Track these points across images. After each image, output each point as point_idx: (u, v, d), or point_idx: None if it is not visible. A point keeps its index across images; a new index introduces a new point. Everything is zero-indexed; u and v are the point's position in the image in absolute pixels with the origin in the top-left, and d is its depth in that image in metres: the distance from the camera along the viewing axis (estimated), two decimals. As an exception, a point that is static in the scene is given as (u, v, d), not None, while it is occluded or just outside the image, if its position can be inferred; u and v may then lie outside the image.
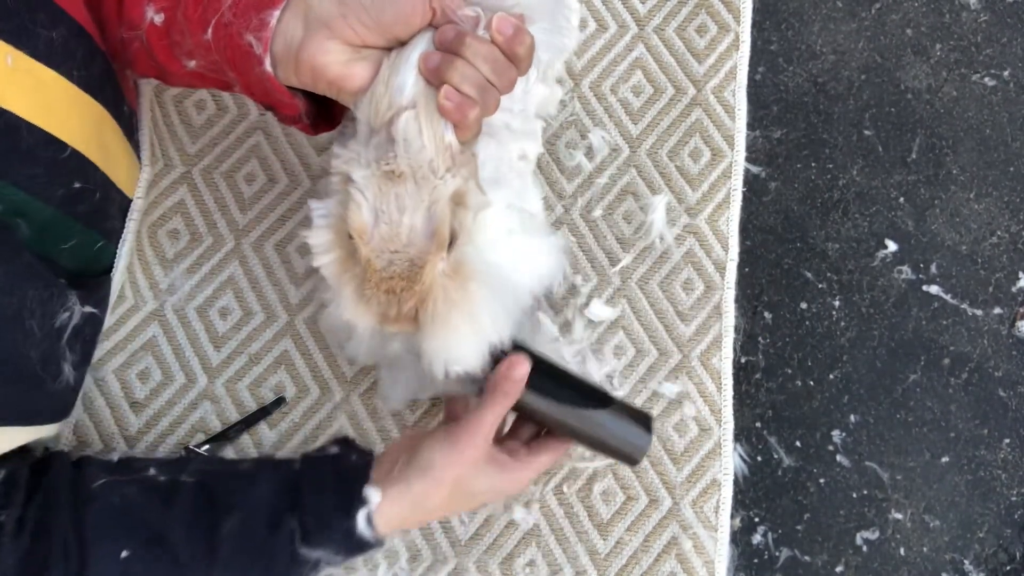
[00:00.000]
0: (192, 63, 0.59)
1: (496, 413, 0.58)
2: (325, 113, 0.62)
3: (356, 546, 0.57)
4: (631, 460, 0.63)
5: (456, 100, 0.49)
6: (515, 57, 0.51)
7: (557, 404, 0.61)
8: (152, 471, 0.60)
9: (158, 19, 0.59)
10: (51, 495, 0.57)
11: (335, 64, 0.51)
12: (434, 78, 0.50)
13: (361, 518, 0.56)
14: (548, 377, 0.61)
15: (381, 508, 0.57)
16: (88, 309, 0.66)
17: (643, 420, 0.62)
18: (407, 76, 0.51)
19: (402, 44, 0.53)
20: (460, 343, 0.54)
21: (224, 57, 0.55)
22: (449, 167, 0.50)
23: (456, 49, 0.50)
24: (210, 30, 0.55)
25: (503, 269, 0.57)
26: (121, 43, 0.64)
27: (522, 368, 0.58)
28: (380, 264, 0.50)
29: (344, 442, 0.62)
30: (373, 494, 0.57)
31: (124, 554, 0.56)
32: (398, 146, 0.50)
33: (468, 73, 0.49)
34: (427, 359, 0.55)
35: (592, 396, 0.62)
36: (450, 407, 0.65)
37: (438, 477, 0.57)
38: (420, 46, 0.52)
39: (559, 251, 0.65)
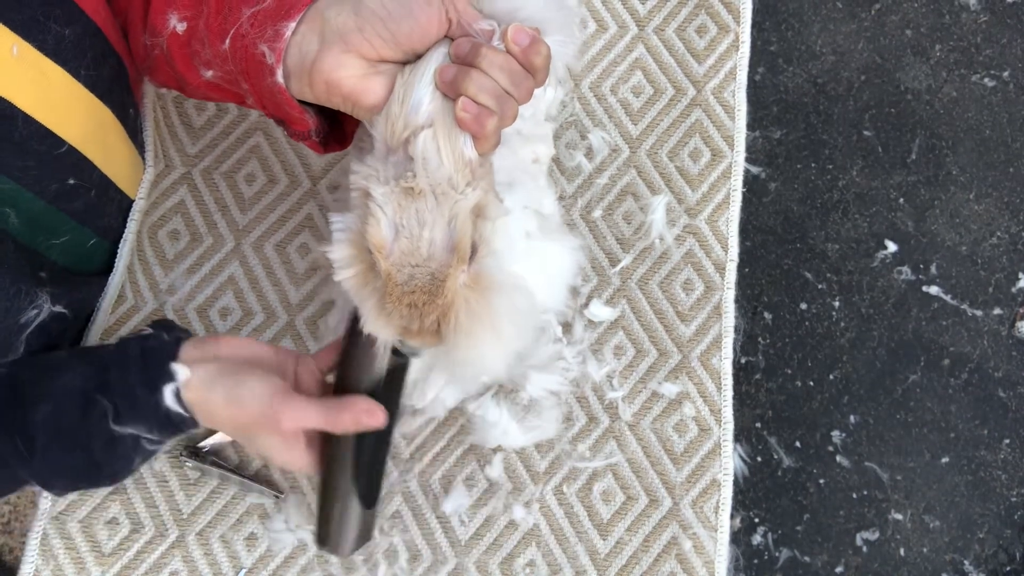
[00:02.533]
0: (209, 73, 0.59)
1: (317, 421, 0.57)
2: (337, 132, 0.62)
3: (168, 422, 0.58)
4: (320, 540, 0.61)
5: (474, 111, 0.49)
6: (532, 67, 0.51)
7: (353, 469, 0.59)
8: None
9: (180, 28, 0.59)
10: None
11: (350, 78, 0.51)
12: (451, 91, 0.50)
13: (168, 392, 0.57)
14: (373, 444, 0.60)
15: (189, 387, 0.57)
16: (58, 308, 0.65)
17: (364, 536, 0.61)
18: (422, 93, 0.50)
19: (418, 58, 0.52)
20: (485, 354, 0.54)
21: (239, 68, 0.55)
22: (469, 181, 0.50)
23: (472, 60, 0.50)
24: (228, 40, 0.55)
25: (523, 276, 0.57)
26: (144, 49, 0.64)
27: (375, 421, 0.57)
28: (401, 278, 0.50)
29: (161, 323, 0.63)
30: (180, 370, 0.57)
31: None
32: (417, 166, 0.49)
33: (485, 84, 0.49)
34: (453, 370, 0.55)
35: (371, 487, 0.61)
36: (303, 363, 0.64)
37: (235, 413, 0.57)
38: (434, 61, 0.51)
39: (577, 250, 0.65)
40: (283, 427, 0.57)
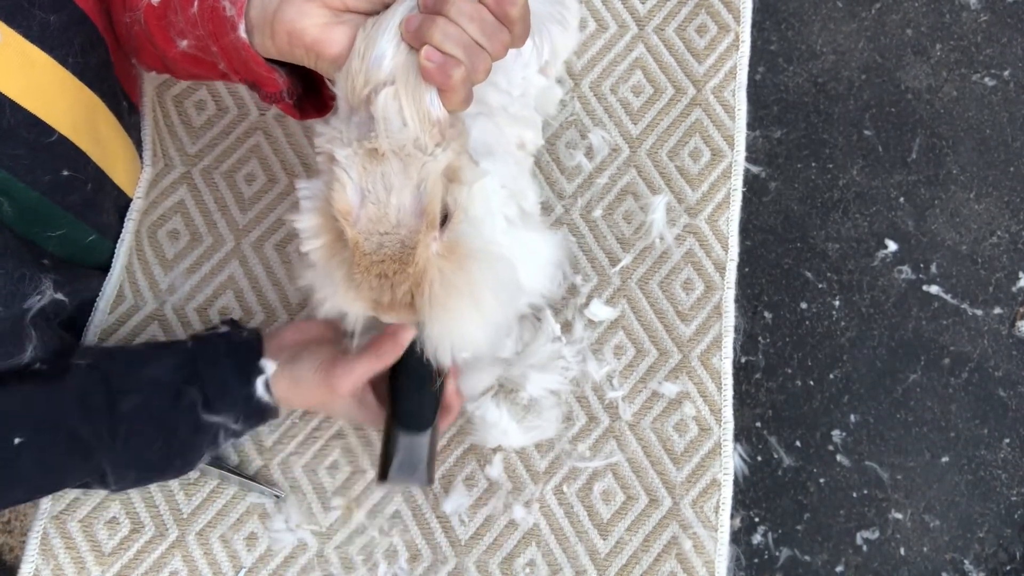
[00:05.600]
0: (184, 43, 0.58)
1: (368, 367, 0.61)
2: (315, 99, 0.61)
3: (256, 411, 0.63)
4: (383, 474, 0.62)
5: (438, 59, 0.46)
6: (507, 18, 0.48)
7: (391, 397, 0.63)
8: (36, 364, 0.63)
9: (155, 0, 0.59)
10: None
11: (312, 28, 0.49)
12: (416, 41, 0.47)
13: (260, 384, 0.62)
14: (419, 375, 0.62)
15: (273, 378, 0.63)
16: (59, 296, 0.65)
17: (410, 464, 0.62)
18: (385, 47, 0.47)
19: (385, 8, 0.50)
20: (464, 327, 0.51)
21: (207, 30, 0.54)
22: (438, 142, 0.47)
23: (439, 9, 0.47)
24: (196, 2, 0.54)
25: (502, 247, 0.54)
26: (126, 29, 0.64)
27: (405, 335, 0.60)
28: (369, 247, 0.47)
29: (232, 322, 0.68)
30: (268, 364, 0.63)
31: (17, 440, 0.59)
32: (378, 126, 0.46)
33: (451, 31, 0.47)
34: (431, 346, 0.52)
35: (415, 410, 0.63)
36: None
37: (303, 392, 0.63)
38: (400, 13, 0.48)
39: (560, 244, 0.64)
40: (340, 390, 0.61)
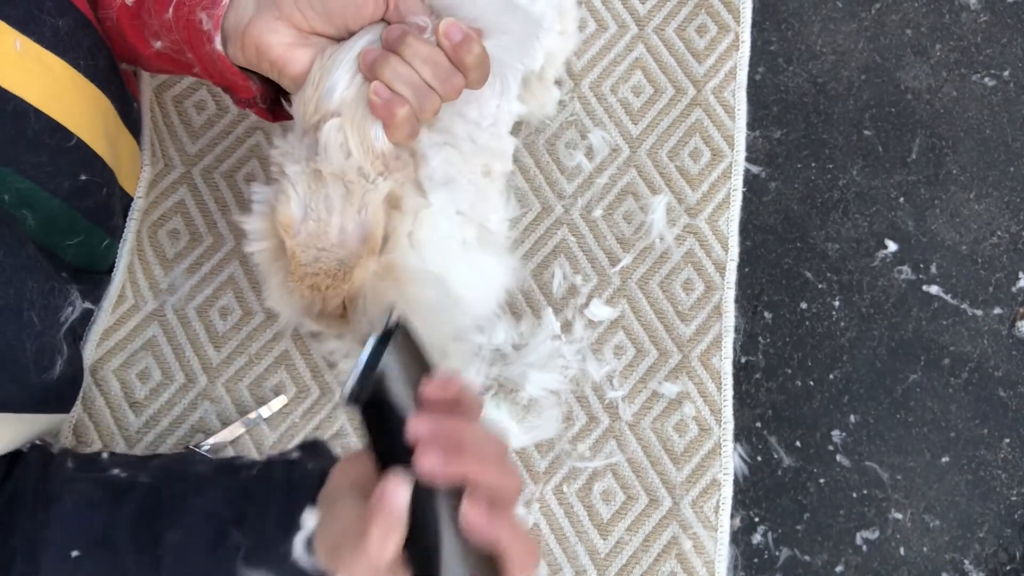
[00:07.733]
0: (159, 44, 0.59)
1: (378, 548, 0.43)
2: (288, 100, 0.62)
3: (297, 572, 0.50)
4: None
5: (385, 96, 0.48)
6: (461, 65, 0.50)
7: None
8: (116, 471, 0.58)
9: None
10: (18, 492, 0.57)
11: (278, 45, 0.51)
12: (369, 74, 0.49)
13: (298, 542, 0.49)
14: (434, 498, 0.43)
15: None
16: (87, 305, 0.66)
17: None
18: (338, 79, 0.50)
19: (351, 35, 0.52)
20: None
21: (182, 36, 0.55)
22: (381, 171, 0.50)
23: (395, 47, 0.49)
24: (171, 9, 0.55)
25: (444, 275, 0.56)
26: (99, 23, 0.64)
27: (399, 496, 0.42)
28: (305, 259, 0.50)
29: (311, 446, 0.58)
30: (309, 518, 0.49)
31: (75, 554, 0.54)
32: (320, 153, 0.49)
33: (402, 71, 0.48)
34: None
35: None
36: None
37: (329, 547, 0.48)
38: (359, 45, 0.51)
39: (512, 272, 0.64)
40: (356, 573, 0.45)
